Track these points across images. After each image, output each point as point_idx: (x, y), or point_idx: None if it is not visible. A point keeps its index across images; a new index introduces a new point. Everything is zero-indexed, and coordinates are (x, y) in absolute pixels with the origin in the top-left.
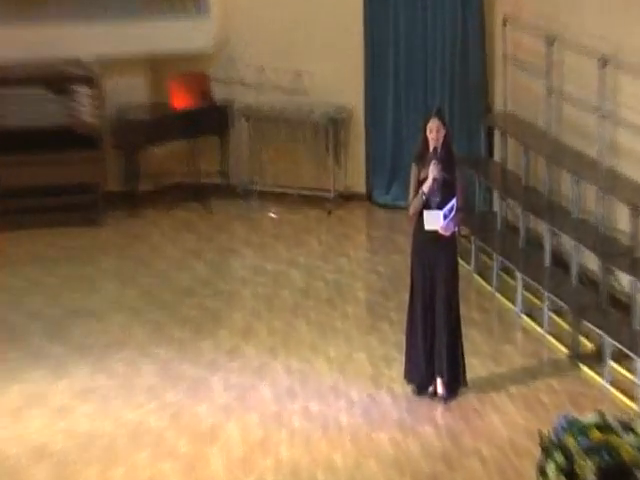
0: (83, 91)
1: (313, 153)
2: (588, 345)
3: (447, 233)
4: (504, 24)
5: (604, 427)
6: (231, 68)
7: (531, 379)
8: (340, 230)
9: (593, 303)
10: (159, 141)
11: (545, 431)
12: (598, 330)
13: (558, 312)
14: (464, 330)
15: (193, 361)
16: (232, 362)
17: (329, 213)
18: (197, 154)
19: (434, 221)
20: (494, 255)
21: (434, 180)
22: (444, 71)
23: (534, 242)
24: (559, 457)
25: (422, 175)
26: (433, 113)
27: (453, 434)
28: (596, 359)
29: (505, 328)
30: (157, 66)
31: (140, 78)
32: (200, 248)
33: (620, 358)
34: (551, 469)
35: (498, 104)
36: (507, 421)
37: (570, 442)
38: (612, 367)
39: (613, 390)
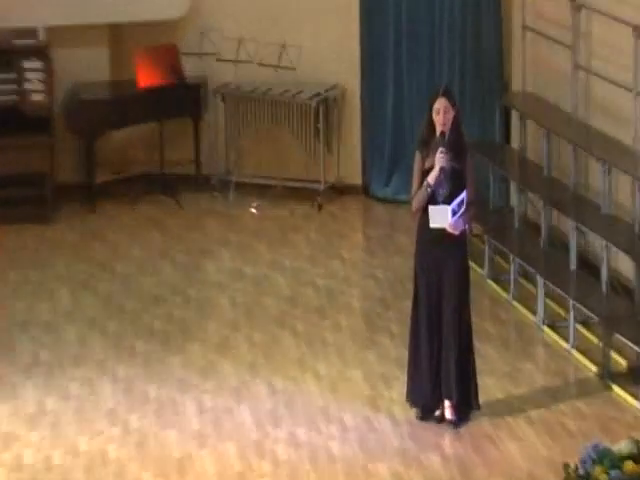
0: (32, 65)
1: (301, 139)
2: (621, 362)
3: (456, 232)
4: None
5: None
6: (205, 40)
7: (554, 402)
8: (332, 228)
9: (627, 313)
10: (121, 124)
11: (571, 463)
12: (633, 345)
13: (586, 324)
14: (476, 345)
15: (160, 380)
16: (206, 381)
17: (319, 208)
18: (165, 140)
19: (441, 218)
20: (511, 257)
21: (441, 170)
22: (453, 43)
23: (558, 242)
24: None
25: (427, 164)
26: (440, 92)
27: (463, 465)
28: (630, 378)
29: (524, 342)
30: (119, 37)
31: (99, 51)
32: (168, 248)
33: None
34: None
35: (516, 82)
36: (526, 451)
37: (601, 476)
38: None
39: None
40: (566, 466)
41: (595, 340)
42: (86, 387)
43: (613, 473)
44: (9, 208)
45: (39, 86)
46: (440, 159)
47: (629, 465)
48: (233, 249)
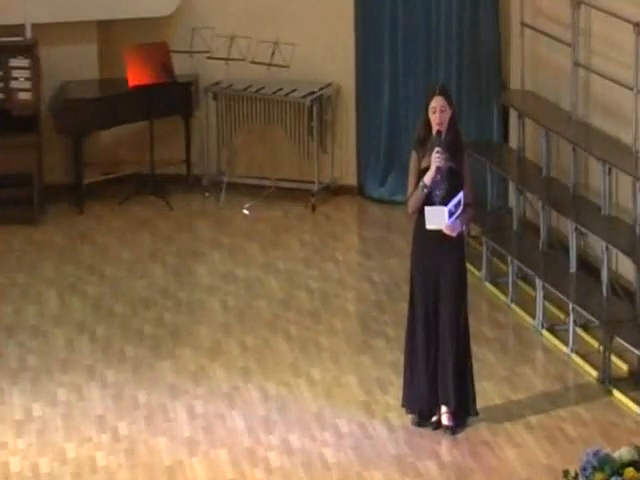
0: (18, 63)
1: (294, 138)
2: (622, 367)
3: (453, 233)
4: None
5: None
6: (196, 37)
7: (554, 407)
8: (326, 229)
9: (627, 317)
10: (110, 124)
11: (571, 470)
12: (633, 349)
13: (586, 328)
14: (474, 349)
15: (150, 386)
16: (197, 387)
17: (313, 209)
18: (155, 139)
19: (438, 219)
20: (509, 259)
21: (438, 170)
22: (450, 41)
23: (557, 244)
24: None
25: (423, 164)
26: (437, 90)
27: (461, 473)
28: (631, 383)
29: (523, 346)
30: (108, 34)
31: (88, 49)
32: (158, 251)
33: None
34: None
35: (514, 80)
36: (525, 457)
37: None
38: None
39: None
40: (566, 473)
41: (595, 344)
42: (74, 393)
43: None
44: None
45: (26, 85)
46: (436, 159)
47: (630, 472)
48: (225, 251)
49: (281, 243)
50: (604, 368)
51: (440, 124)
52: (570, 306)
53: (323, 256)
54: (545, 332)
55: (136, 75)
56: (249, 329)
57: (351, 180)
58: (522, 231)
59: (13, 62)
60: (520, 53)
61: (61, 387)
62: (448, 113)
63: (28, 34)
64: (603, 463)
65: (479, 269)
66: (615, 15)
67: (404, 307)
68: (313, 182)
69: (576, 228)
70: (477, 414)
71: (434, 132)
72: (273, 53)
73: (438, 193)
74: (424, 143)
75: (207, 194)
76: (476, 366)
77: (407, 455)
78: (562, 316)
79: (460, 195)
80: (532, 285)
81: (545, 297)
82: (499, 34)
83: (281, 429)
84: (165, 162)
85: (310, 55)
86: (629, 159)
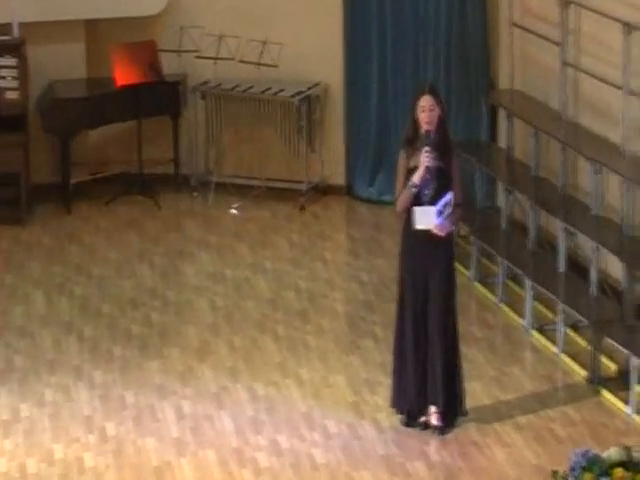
0: (6, 63)
1: (283, 137)
2: (611, 367)
3: (442, 233)
4: None
5: (630, 465)
6: (184, 37)
7: (543, 407)
8: (315, 229)
9: (616, 316)
10: (97, 123)
11: (560, 470)
12: (623, 348)
13: (575, 327)
14: (463, 349)
15: (138, 386)
16: (185, 387)
17: (302, 209)
18: (143, 139)
19: (426, 219)
20: (498, 259)
21: (426, 169)
22: (439, 40)
23: (546, 244)
24: None
25: (412, 163)
26: (425, 89)
27: (449, 473)
28: (620, 383)
29: (512, 346)
30: (96, 33)
31: (75, 48)
32: (146, 250)
33: None
34: None
35: (503, 80)
36: (514, 457)
37: None
38: (639, 393)
39: None
40: (555, 473)
41: (584, 344)
42: (62, 393)
43: None
44: None
45: (13, 84)
46: (425, 158)
47: (619, 472)
48: (213, 251)
49: (269, 243)
50: (593, 368)
51: (429, 123)
52: (559, 306)
53: (312, 256)
54: (534, 332)
55: (124, 74)
56: (237, 329)
57: (340, 180)
58: (511, 231)
59: (0, 61)
60: (509, 52)
61: (48, 388)
62: (437, 112)
63: (15, 33)
64: (592, 463)
65: (468, 269)
66: (604, 15)
67: (393, 307)
68: (302, 182)
69: (565, 228)
70: (466, 414)
71: (423, 131)
72: (262, 52)
73: (427, 193)
74: (413, 142)
75: (195, 194)
76: (465, 366)
77: (396, 455)
78: (551, 316)
79: (449, 195)
80: (521, 285)
81: (534, 297)
82: (488, 34)
83: (269, 429)
84: (153, 162)
85: (299, 54)
86: (618, 159)
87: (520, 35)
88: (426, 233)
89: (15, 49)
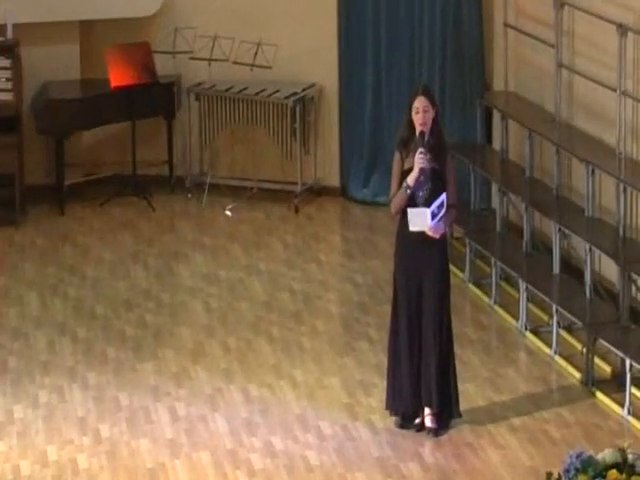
0: None
1: (277, 139)
2: (605, 369)
3: (436, 235)
4: None
5: (624, 467)
6: (178, 38)
7: (537, 409)
8: (309, 231)
9: (611, 318)
10: (91, 124)
11: (554, 472)
12: (617, 351)
13: (569, 329)
14: (457, 350)
15: (132, 387)
16: (179, 388)
17: (296, 210)
18: (137, 140)
19: (420, 221)
20: (493, 261)
21: (421, 171)
22: (433, 42)
23: (540, 246)
24: None
25: (406, 165)
26: (420, 90)
27: (444, 475)
28: (614, 385)
29: (506, 348)
30: (90, 35)
31: (69, 49)
32: (140, 252)
33: None
34: None
35: (497, 81)
36: (508, 459)
37: None
38: (634, 395)
39: (635, 422)
40: (549, 475)
41: (578, 346)
42: (56, 395)
43: None
44: None
45: (7, 85)
46: (420, 160)
47: (613, 474)
48: (207, 252)
49: (264, 244)
50: (587, 370)
51: (423, 124)
52: (553, 308)
53: (306, 257)
54: (528, 334)
55: (118, 76)
56: (231, 331)
57: (334, 181)
58: (505, 232)
59: None
60: (503, 54)
61: (42, 389)
62: (431, 113)
63: (9, 34)
64: (586, 465)
65: (462, 270)
66: (598, 16)
67: (387, 309)
68: (296, 183)
69: (559, 229)
70: (460, 416)
71: (417, 133)
72: (256, 54)
73: (421, 194)
74: (407, 144)
75: (189, 195)
76: (459, 368)
77: (390, 457)
78: (545, 318)
79: (443, 196)
80: (515, 287)
81: (528, 299)
82: (482, 35)
83: (264, 431)
84: (147, 163)
85: (293, 56)
86: (612, 160)
87: (514, 37)
88: (420, 234)
89: (9, 50)
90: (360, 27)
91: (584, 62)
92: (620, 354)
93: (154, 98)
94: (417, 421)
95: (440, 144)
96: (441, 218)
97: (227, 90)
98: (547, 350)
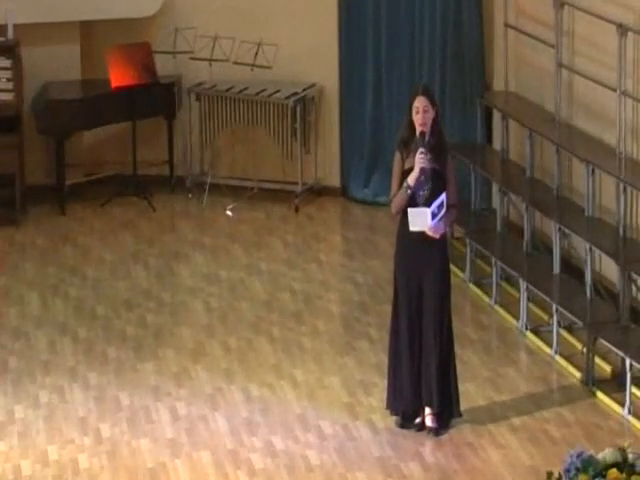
0: (0, 64)
1: (277, 139)
2: (605, 368)
3: (436, 235)
4: None
5: (625, 466)
6: (179, 38)
7: (537, 408)
8: (310, 230)
9: (611, 318)
10: (92, 125)
11: (555, 471)
12: (617, 350)
13: (570, 329)
14: (458, 350)
15: (133, 387)
16: (179, 388)
17: (296, 210)
18: (138, 140)
19: (421, 221)
20: (493, 261)
21: (421, 171)
22: (434, 42)
23: (541, 245)
24: None
25: (407, 165)
26: (420, 90)
27: (444, 474)
28: (615, 385)
29: (507, 348)
30: (90, 35)
31: (70, 49)
32: (140, 252)
33: None
34: None
35: (498, 81)
36: (509, 459)
37: None
38: (634, 394)
39: (635, 421)
40: (549, 474)
41: (579, 345)
42: (56, 395)
43: None
44: None
45: (8, 85)
46: (420, 160)
47: (613, 474)
48: (208, 252)
49: (264, 244)
50: (588, 370)
51: (423, 124)
52: (554, 307)
53: (306, 257)
54: (529, 333)
55: (119, 76)
56: (232, 330)
57: (334, 181)
58: (506, 232)
59: None
60: (503, 54)
61: (43, 389)
62: (431, 113)
63: (10, 34)
64: (587, 465)
65: (463, 270)
66: (598, 16)
67: (388, 308)
68: (296, 183)
69: (560, 229)
70: (461, 415)
71: (417, 133)
72: (256, 54)
73: (422, 194)
74: (408, 144)
75: (190, 195)
76: (460, 367)
77: (391, 457)
78: (546, 317)
79: (443, 196)
80: (516, 286)
81: (529, 298)
82: (482, 35)
83: (264, 431)
84: (148, 163)
85: (293, 56)
86: (613, 160)
87: (515, 37)
88: (421, 234)
89: (9, 50)
90: (360, 27)
91: (584, 62)
92: (620, 354)
93: (155, 98)
94: (417, 421)
95: (440, 144)
96: (441, 218)
97: (227, 90)
98: (547, 350)
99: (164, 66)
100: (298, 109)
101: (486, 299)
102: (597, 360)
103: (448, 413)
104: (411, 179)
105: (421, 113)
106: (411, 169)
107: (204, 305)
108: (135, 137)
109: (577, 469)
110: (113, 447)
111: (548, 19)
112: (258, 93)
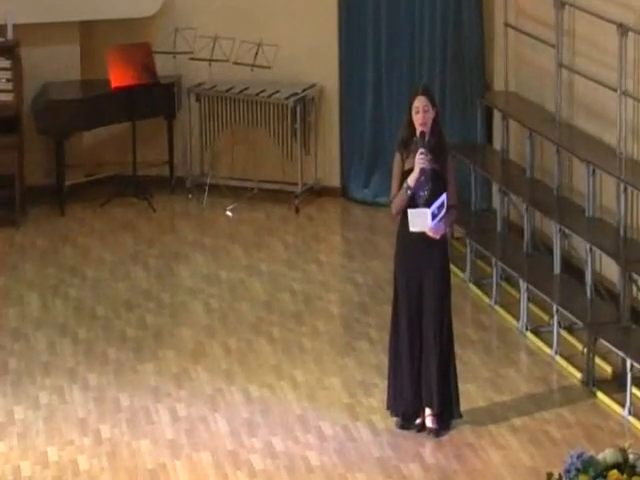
0: (0, 64)
1: (277, 139)
2: (606, 369)
3: (437, 235)
4: None
5: (625, 467)
6: (179, 38)
7: (538, 409)
8: (310, 231)
9: (612, 319)
10: (92, 125)
11: (555, 472)
12: (618, 351)
13: (570, 329)
14: (458, 351)
15: (133, 388)
16: (179, 389)
17: (297, 211)
18: (138, 141)
19: (421, 221)
20: (493, 261)
21: (421, 171)
22: (434, 41)
23: (541, 246)
24: None
25: (407, 165)
26: (419, 90)
27: (445, 475)
28: (615, 385)
29: (507, 348)
30: (90, 35)
31: (70, 49)
32: (140, 252)
33: None
34: None
35: (498, 81)
36: (509, 459)
37: None
38: (634, 395)
39: (635, 422)
40: (550, 475)
41: (579, 346)
42: (56, 396)
43: None
44: None
45: (8, 86)
46: (420, 160)
47: (614, 475)
48: (208, 253)
49: (264, 245)
50: (588, 370)
51: (423, 124)
52: (554, 308)
53: (306, 258)
54: (529, 334)
55: (119, 77)
56: (232, 331)
57: (334, 182)
58: (506, 233)
59: None
60: (504, 54)
61: (43, 390)
62: (431, 113)
63: (10, 35)
64: (587, 465)
65: (463, 270)
66: (599, 16)
67: (388, 309)
68: (296, 184)
69: (560, 230)
70: (461, 416)
71: (417, 133)
72: (256, 54)
73: (422, 194)
74: (408, 144)
75: (190, 196)
76: (460, 368)
77: (391, 458)
78: (546, 318)
79: (443, 197)
80: (516, 287)
81: (529, 299)
82: (483, 35)
83: (264, 432)
84: (148, 164)
85: (293, 56)
86: (613, 160)
87: (515, 37)
88: (421, 234)
89: (9, 51)
90: (361, 27)
91: (584, 62)
92: (621, 354)
93: (154, 99)
94: (418, 421)
95: (440, 144)
96: (441, 219)
97: (227, 90)
98: (548, 350)
99: (164, 66)
100: (298, 109)
101: (486, 299)
102: (597, 360)
103: (448, 414)
104: (411, 180)
105: (421, 113)
106: (411, 170)
107: (204, 306)
108: (135, 137)
109: (577, 470)
110: (113, 448)
111: (548, 19)
112: (258, 93)
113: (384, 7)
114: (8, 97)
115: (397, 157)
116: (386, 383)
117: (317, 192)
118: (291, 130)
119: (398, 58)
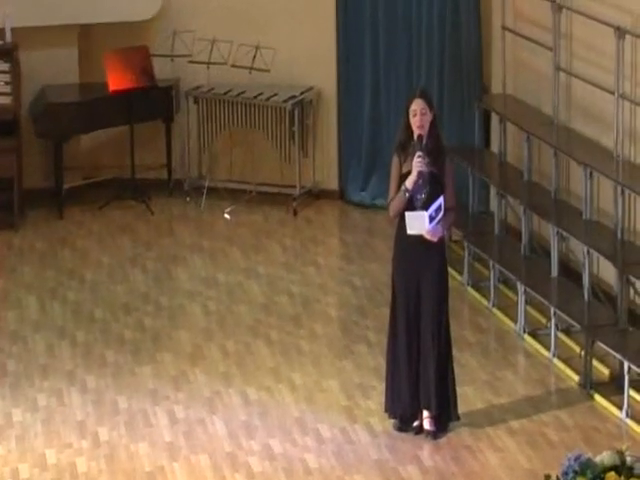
0: None
1: (275, 142)
2: (603, 371)
3: (434, 238)
4: None
5: (623, 469)
6: (177, 41)
7: (535, 412)
8: (308, 234)
9: (609, 321)
10: (90, 128)
11: (552, 474)
12: (615, 353)
13: (567, 332)
14: (456, 353)
15: (131, 391)
16: (178, 392)
17: (294, 213)
18: (136, 144)
19: (418, 224)
20: (491, 264)
21: (419, 174)
22: (432, 44)
23: (539, 248)
24: None
25: (405, 168)
26: (417, 92)
27: (442, 478)
28: (613, 388)
29: (505, 351)
30: (88, 38)
31: (68, 53)
32: (138, 255)
33: None
34: None
35: (496, 84)
36: (507, 462)
37: None
38: (632, 397)
39: (633, 424)
40: (547, 478)
41: (577, 348)
42: (54, 398)
43: None
44: None
45: (6, 89)
46: (418, 163)
47: (611, 477)
48: (206, 256)
49: (262, 248)
50: (586, 373)
51: (421, 127)
52: (552, 310)
53: (304, 261)
54: (527, 336)
55: (117, 80)
56: (230, 334)
57: (332, 184)
58: (504, 235)
59: None
60: (501, 57)
61: (41, 392)
62: (429, 116)
63: (8, 38)
64: (585, 468)
65: (461, 273)
66: (596, 19)
67: (386, 312)
68: (294, 186)
69: (557, 232)
70: (459, 419)
71: (415, 136)
72: (254, 57)
73: (420, 197)
74: (405, 147)
75: (188, 199)
76: (458, 371)
77: (389, 460)
78: (544, 320)
79: (440, 200)
80: (514, 289)
81: (527, 301)
82: (480, 38)
83: (262, 434)
84: (146, 167)
85: (291, 59)
86: (610, 163)
87: (512, 40)
88: (418, 237)
89: (8, 54)
90: (358, 30)
91: (582, 65)
92: (618, 357)
93: (153, 102)
94: (416, 424)
95: (438, 147)
96: (439, 221)
97: (225, 93)
98: (545, 353)
99: (162, 69)
100: (296, 112)
101: (484, 302)
102: (595, 363)
103: (446, 416)
104: (409, 183)
105: (419, 116)
106: (409, 172)
107: (202, 308)
108: (133, 140)
109: (575, 472)
110: (111, 451)
111: (546, 22)
112: (256, 96)
113: (382, 10)
114: (6, 100)
115: (395, 160)
116: (384, 386)
117: (315, 195)
118: (289, 133)
119: (396, 61)
